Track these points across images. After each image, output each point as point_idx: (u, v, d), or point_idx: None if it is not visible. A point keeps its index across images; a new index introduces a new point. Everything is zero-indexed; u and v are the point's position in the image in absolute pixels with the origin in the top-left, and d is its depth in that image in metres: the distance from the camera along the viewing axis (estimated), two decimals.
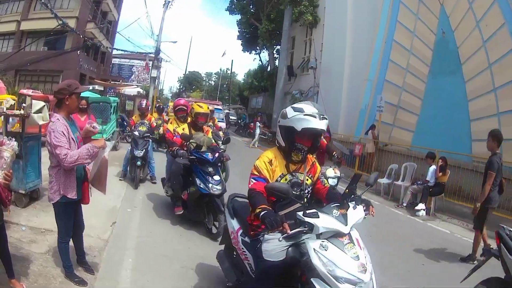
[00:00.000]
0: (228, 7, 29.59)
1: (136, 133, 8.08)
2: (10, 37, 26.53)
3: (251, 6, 28.79)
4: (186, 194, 5.57)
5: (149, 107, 8.43)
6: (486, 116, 9.43)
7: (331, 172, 5.20)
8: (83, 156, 3.10)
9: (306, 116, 2.62)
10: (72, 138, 3.24)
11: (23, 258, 3.81)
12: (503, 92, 9.19)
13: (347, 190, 2.64)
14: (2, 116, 5.49)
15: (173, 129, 5.93)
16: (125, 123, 13.48)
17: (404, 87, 12.72)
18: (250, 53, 32.63)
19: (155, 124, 8.76)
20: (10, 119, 5.69)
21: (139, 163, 7.65)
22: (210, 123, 9.15)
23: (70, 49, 24.80)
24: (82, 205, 3.69)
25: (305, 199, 2.91)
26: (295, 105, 2.78)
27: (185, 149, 5.53)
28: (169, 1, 26.97)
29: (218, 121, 15.52)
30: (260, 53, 31.66)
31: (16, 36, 26.28)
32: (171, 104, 20.11)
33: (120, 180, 7.99)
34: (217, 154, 5.45)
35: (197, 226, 5.65)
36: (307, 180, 2.92)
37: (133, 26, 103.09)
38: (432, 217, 8.18)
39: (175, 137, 5.79)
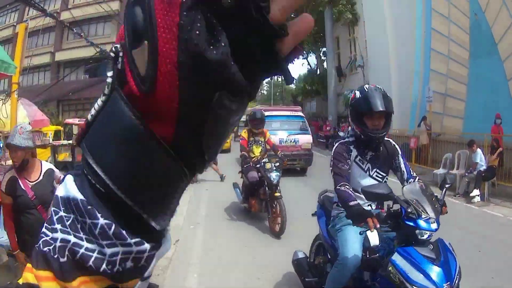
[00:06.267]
0: None
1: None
2: (45, 69, 28.46)
3: None
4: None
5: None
6: None
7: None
8: None
9: None
10: None
11: None
12: None
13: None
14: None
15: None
16: None
17: (449, 75, 13.39)
18: (297, 58, 34.01)
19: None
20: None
21: None
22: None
23: None
24: None
25: None
26: None
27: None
28: None
29: (299, 133, 12.55)
30: (307, 57, 32.99)
31: (52, 67, 28.19)
32: None
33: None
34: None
35: (260, 236, 6.21)
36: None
37: None
38: (486, 202, 8.75)
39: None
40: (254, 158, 6.61)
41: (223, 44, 0.31)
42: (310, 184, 10.37)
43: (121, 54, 0.33)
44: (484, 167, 9.12)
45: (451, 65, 13.22)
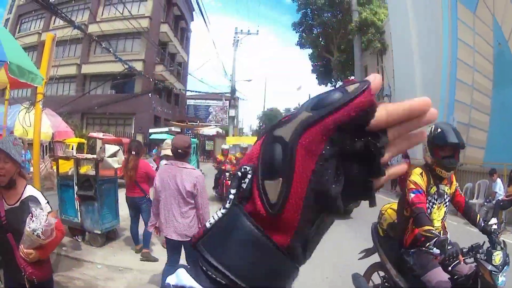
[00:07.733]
0: (298, 41, 31.59)
1: None
2: (71, 80, 28.23)
3: (320, 39, 30.72)
4: None
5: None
6: None
7: None
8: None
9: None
10: None
11: None
12: None
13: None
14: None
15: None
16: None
17: (473, 105, 13.36)
18: (326, 86, 34.18)
19: None
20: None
21: None
22: None
23: (141, 93, 26.59)
24: None
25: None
26: None
27: None
28: (238, 40, 30.42)
29: None
30: (335, 84, 33.14)
31: (78, 79, 28.05)
32: None
33: None
34: None
35: None
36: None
37: (205, 66, 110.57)
38: (503, 231, 8.83)
39: None
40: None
41: (340, 183, 0.38)
42: (348, 223, 7.97)
43: (249, 176, 0.39)
44: (503, 196, 9.07)
45: (475, 95, 13.20)
